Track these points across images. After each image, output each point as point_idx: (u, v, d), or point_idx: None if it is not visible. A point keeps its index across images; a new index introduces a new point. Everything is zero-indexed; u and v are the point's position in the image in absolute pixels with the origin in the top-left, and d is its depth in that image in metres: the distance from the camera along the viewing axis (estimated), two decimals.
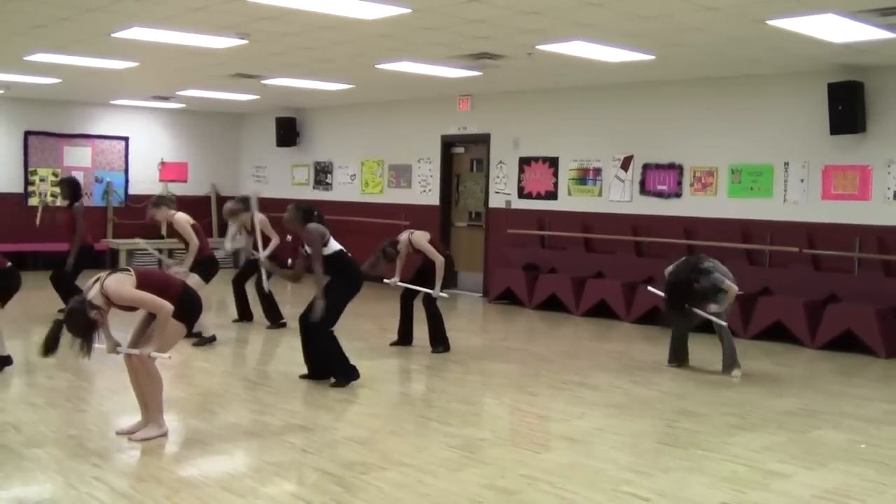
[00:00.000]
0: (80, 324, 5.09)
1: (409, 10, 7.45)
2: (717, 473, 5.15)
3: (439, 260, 8.48)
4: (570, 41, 8.66)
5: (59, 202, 11.80)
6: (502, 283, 12.57)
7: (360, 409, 6.56)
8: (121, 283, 5.26)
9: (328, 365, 7.28)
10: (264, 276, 9.54)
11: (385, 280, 8.82)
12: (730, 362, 8.03)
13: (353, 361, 7.26)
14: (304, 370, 7.45)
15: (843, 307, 9.42)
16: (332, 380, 7.22)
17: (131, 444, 5.39)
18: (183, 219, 8.82)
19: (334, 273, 7.20)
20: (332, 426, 6.11)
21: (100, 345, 5.51)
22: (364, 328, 9.85)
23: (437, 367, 8.12)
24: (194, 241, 8.66)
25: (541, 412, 6.73)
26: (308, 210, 7.33)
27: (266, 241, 9.51)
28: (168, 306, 5.28)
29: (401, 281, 8.81)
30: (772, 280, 10.22)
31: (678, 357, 8.33)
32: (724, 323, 7.94)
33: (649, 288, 8.98)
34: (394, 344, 8.98)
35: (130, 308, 5.43)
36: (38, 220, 13.39)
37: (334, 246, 7.20)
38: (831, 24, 7.50)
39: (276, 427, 5.91)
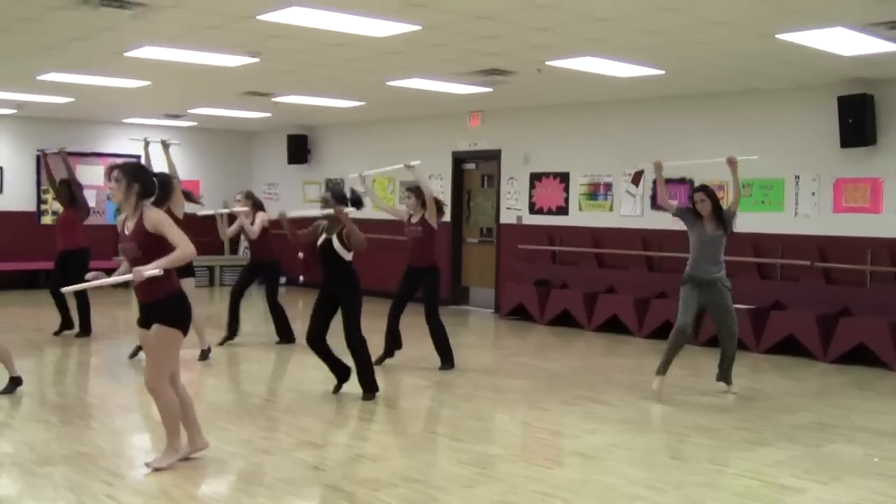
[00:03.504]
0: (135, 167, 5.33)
1: (419, 28, 7.49)
2: (729, 488, 5.13)
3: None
4: (579, 57, 8.68)
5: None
6: (514, 298, 12.56)
7: (371, 426, 6.55)
8: (162, 214, 5.23)
9: (360, 377, 7.29)
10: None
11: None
12: (725, 374, 7.75)
13: None
14: (318, 388, 7.54)
15: (855, 321, 9.38)
16: (364, 395, 7.26)
17: (143, 461, 5.39)
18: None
19: (347, 283, 7.21)
20: (343, 443, 6.11)
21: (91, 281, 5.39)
22: (375, 343, 9.81)
23: (448, 384, 8.11)
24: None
25: (553, 428, 6.72)
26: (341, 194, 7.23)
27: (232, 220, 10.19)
28: (192, 249, 5.11)
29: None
30: (783, 294, 10.19)
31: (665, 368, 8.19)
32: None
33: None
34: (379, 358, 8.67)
35: (140, 252, 5.16)
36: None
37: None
38: (840, 38, 7.50)
39: (287, 444, 5.91)
